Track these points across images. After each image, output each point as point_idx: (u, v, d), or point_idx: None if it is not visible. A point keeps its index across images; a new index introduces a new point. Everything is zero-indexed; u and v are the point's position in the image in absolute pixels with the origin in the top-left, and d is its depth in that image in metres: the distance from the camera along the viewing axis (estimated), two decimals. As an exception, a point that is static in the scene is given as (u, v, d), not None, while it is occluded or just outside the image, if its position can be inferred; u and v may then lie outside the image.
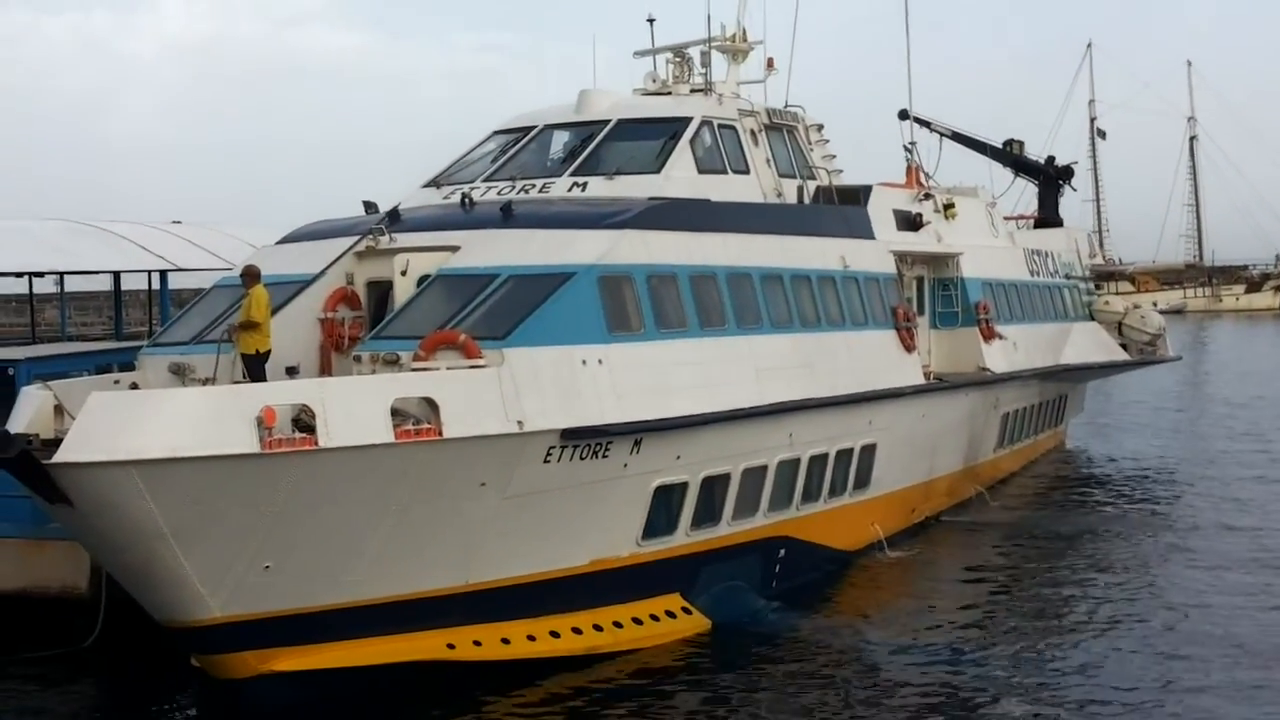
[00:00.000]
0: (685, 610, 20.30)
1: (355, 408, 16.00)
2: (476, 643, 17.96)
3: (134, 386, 18.68)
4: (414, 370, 17.12)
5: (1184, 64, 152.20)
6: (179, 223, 30.98)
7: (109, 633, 18.90)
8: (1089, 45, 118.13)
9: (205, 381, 18.26)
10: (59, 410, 16.61)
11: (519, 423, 17.06)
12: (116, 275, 29.99)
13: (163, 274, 28.87)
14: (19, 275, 28.42)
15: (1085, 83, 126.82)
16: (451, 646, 17.74)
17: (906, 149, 34.35)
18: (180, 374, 18.86)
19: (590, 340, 18.29)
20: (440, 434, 16.41)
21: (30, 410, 16.79)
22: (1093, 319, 39.85)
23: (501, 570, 17.98)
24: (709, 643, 20.05)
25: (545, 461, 17.57)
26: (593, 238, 19.34)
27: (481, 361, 17.18)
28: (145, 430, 14.96)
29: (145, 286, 30.65)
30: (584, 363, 18.08)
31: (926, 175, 34.15)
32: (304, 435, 15.67)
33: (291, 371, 18.61)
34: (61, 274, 29.12)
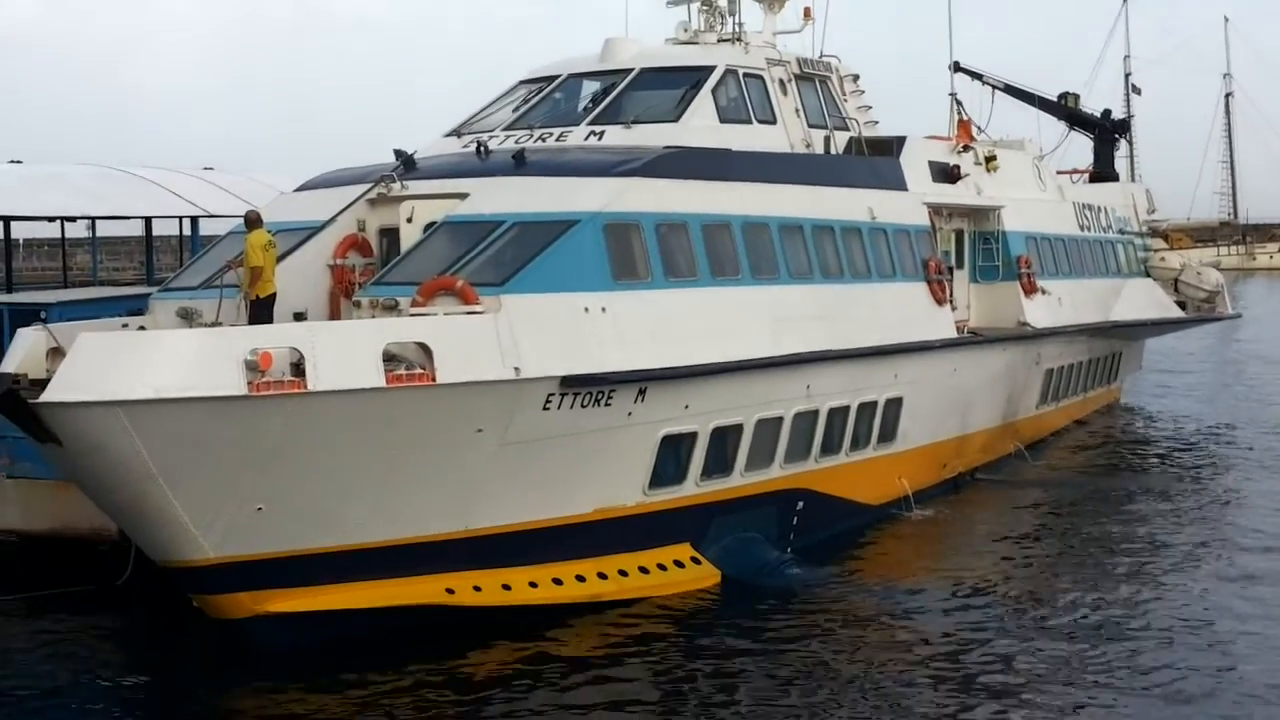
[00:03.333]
0: (695, 560, 20.20)
1: (345, 352, 16.00)
2: (476, 588, 17.96)
3: (141, 330, 18.81)
4: (411, 316, 17.08)
5: (1221, 19, 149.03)
6: (210, 169, 31.25)
7: (140, 572, 19.02)
8: (1124, 1, 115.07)
9: (212, 325, 18.34)
10: (56, 352, 16.74)
11: (516, 369, 16.98)
12: (148, 220, 30.28)
13: (194, 220, 29.13)
14: (51, 219, 28.83)
15: (1120, 39, 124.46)
16: (451, 591, 17.75)
17: (956, 99, 33.86)
18: (188, 318, 18.99)
19: (593, 288, 18.17)
20: (433, 379, 16.37)
21: (22, 350, 16.98)
22: (1148, 275, 39.06)
23: (502, 517, 17.96)
24: (718, 594, 19.91)
25: (545, 409, 17.49)
26: (600, 185, 19.19)
27: (478, 308, 17.12)
28: (132, 371, 15.03)
29: (176, 232, 30.88)
30: (586, 310, 17.97)
31: (978, 128, 33.68)
32: (296, 379, 15.70)
33: (300, 317, 18.79)
34: (93, 219, 29.42)
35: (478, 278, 17.53)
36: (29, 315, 20.68)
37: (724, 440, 20.35)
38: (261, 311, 18.16)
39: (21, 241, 65.54)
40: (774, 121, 23.82)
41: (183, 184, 29.23)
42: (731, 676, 16.77)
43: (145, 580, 18.72)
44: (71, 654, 17.79)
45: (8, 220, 27.45)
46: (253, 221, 18.84)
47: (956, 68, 35.75)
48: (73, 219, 29.18)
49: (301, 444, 15.97)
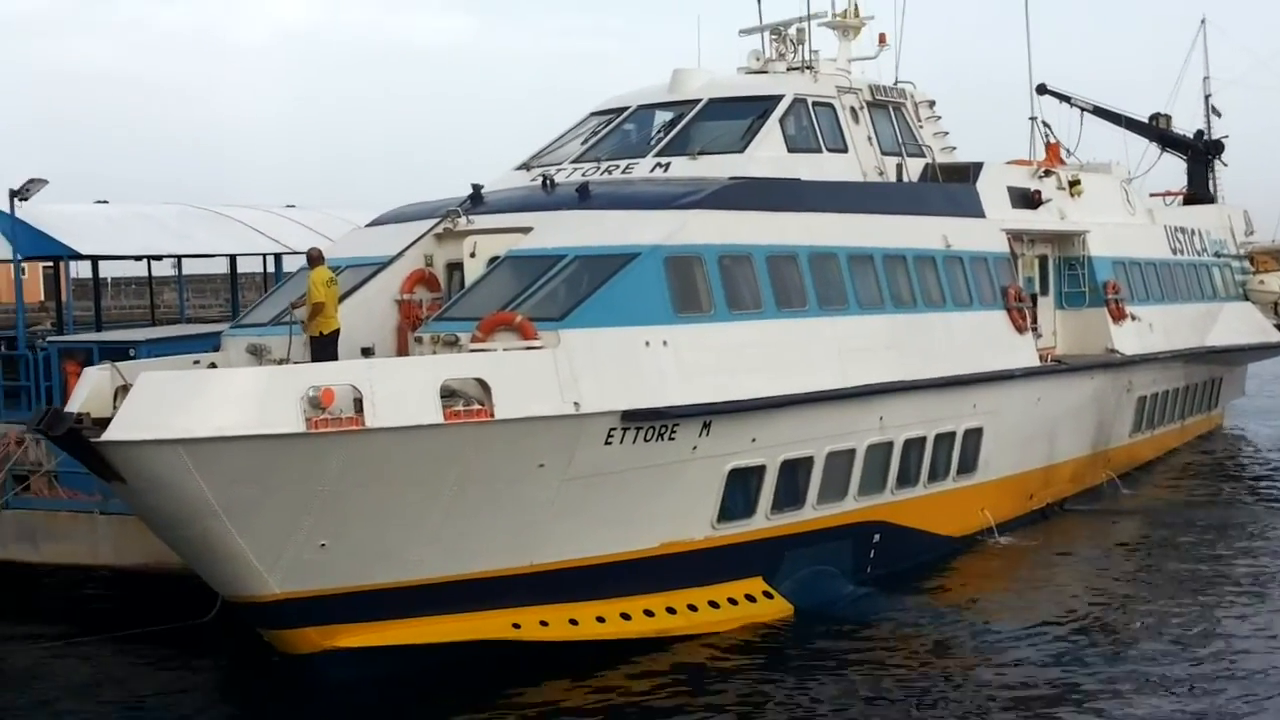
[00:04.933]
0: (767, 595, 20.00)
1: (403, 388, 16.07)
2: (543, 623, 17.93)
3: (212, 366, 19.05)
4: (470, 351, 17.13)
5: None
6: (292, 206, 31.70)
7: (228, 609, 19.17)
8: (1203, 21, 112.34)
9: (280, 362, 18.54)
10: (125, 389, 16.99)
11: (575, 404, 16.96)
12: (232, 259, 30.78)
13: (277, 257, 29.55)
14: (138, 259, 29.37)
15: (1199, 59, 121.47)
16: (517, 626, 17.75)
17: (1044, 123, 33.29)
18: (258, 354, 19.19)
19: (654, 321, 18.11)
20: (491, 415, 16.38)
21: (87, 389, 17.27)
22: (1247, 299, 38.09)
23: (566, 551, 17.92)
24: (791, 628, 19.68)
25: (607, 443, 17.44)
26: (661, 218, 19.16)
27: (537, 343, 17.13)
28: (192, 410, 15.25)
29: (260, 269, 31.38)
30: (647, 344, 17.91)
31: (1068, 151, 33.10)
32: (355, 416, 15.79)
33: (367, 352, 18.76)
34: (179, 257, 29.95)
35: (537, 312, 17.56)
36: (118, 354, 21.13)
37: (794, 473, 20.14)
38: (324, 348, 18.30)
39: (109, 280, 67.11)
40: (845, 150, 23.61)
41: (266, 221, 29.70)
42: (805, 710, 16.56)
43: (233, 616, 18.83)
44: (155, 690, 18.02)
45: (95, 260, 28.04)
46: (314, 259, 19.07)
47: (1042, 90, 35.14)
48: (159, 258, 29.73)
49: (361, 480, 16.05)
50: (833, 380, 20.33)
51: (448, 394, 16.33)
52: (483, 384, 16.49)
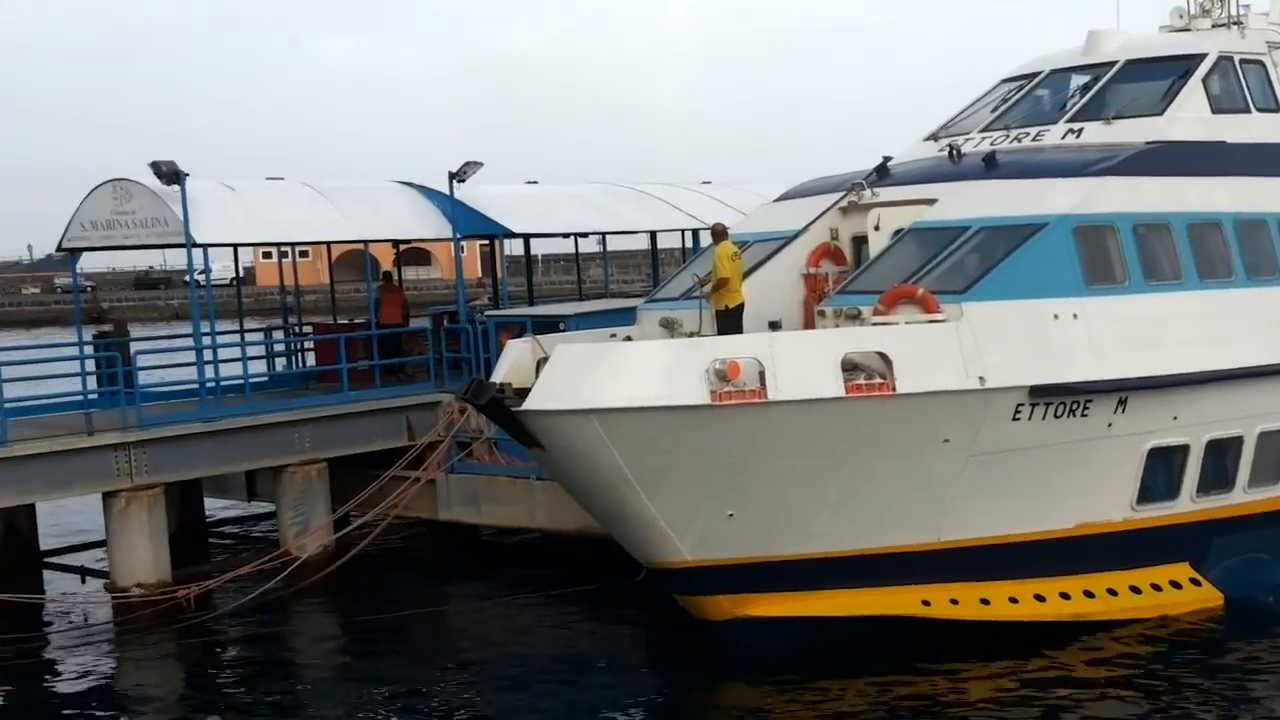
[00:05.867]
0: (1194, 582, 19.19)
1: (804, 362, 16.32)
2: (953, 601, 17.86)
3: (627, 339, 19.92)
4: (872, 325, 17.25)
5: None
6: (708, 183, 32.46)
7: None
8: None
9: (690, 336, 19.19)
10: (544, 361, 18.01)
11: (980, 379, 16.77)
12: (653, 234, 31.81)
13: (694, 232, 30.40)
14: (566, 236, 30.85)
15: None
16: (926, 604, 17.73)
17: None
18: (670, 328, 19.87)
19: (1063, 293, 17.65)
20: (893, 389, 16.45)
21: (509, 361, 18.39)
22: None
23: (976, 529, 17.74)
24: (1221, 618, 18.86)
25: (1014, 419, 17.15)
26: (1070, 186, 18.60)
27: (940, 316, 17.02)
28: (604, 381, 15.99)
29: (678, 245, 32.35)
30: (1055, 317, 17.48)
31: None
32: (757, 388, 16.20)
33: (774, 325, 19.25)
34: (604, 234, 31.21)
35: (940, 285, 17.40)
36: (549, 327, 22.49)
37: (1222, 454, 19.21)
38: (730, 322, 18.77)
39: (539, 257, 70.45)
40: (1277, 109, 22.17)
41: (683, 198, 30.53)
42: (1224, 711, 15.90)
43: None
44: (583, 645, 19.20)
45: (527, 237, 29.68)
46: (719, 234, 19.58)
47: None
48: (585, 235, 31.11)
49: (764, 452, 16.44)
50: (1265, 355, 19.23)
51: (850, 367, 16.48)
52: (884, 358, 16.54)
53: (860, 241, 20.31)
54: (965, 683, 16.76)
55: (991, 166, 19.57)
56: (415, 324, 27.76)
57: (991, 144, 21.12)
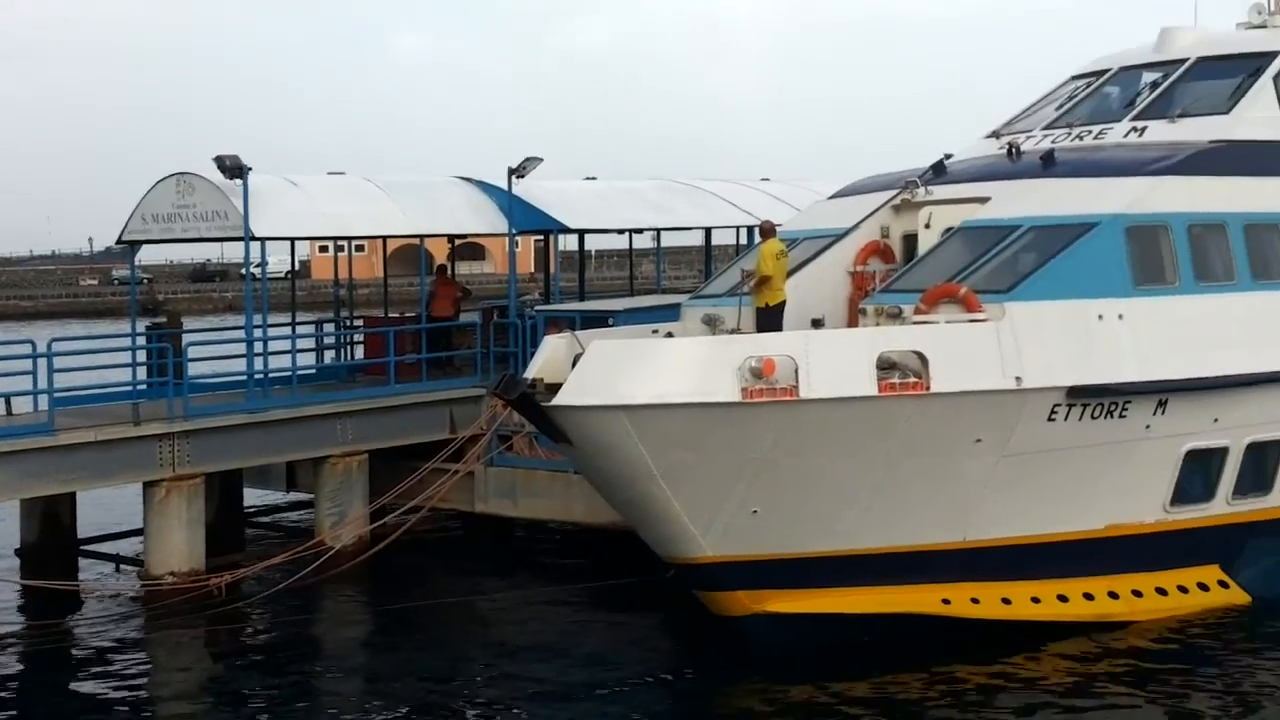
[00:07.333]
0: (1222, 584, 18.85)
1: (838, 360, 15.94)
2: (974, 600, 17.60)
3: (669, 336, 19.55)
4: (913, 324, 16.79)
5: None
6: (766, 179, 32.00)
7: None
8: None
9: (730, 333, 18.82)
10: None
11: (1017, 379, 16.35)
12: (707, 231, 31.47)
13: (750, 229, 29.87)
14: (620, 232, 30.54)
15: None
16: (946, 602, 17.47)
17: None
18: (711, 325, 19.52)
19: (1110, 294, 17.23)
20: (927, 388, 16.00)
21: (544, 356, 18.10)
22: None
23: (1003, 529, 17.43)
24: (1246, 619, 18.53)
25: (1050, 420, 16.77)
26: (1125, 185, 18.16)
27: (980, 315, 16.59)
28: (636, 377, 15.71)
29: (733, 241, 31.95)
30: (1100, 317, 17.08)
31: None
32: (789, 386, 15.80)
33: (817, 323, 19.01)
34: (658, 230, 30.86)
35: (984, 285, 17.04)
36: (598, 322, 22.20)
37: (1262, 456, 18.78)
38: (770, 319, 18.42)
39: (594, 252, 70.14)
40: (1351, 109, 21.30)
41: (740, 194, 30.17)
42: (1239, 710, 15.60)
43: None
44: (613, 638, 19.02)
45: (582, 233, 29.39)
46: (766, 231, 19.23)
47: None
48: (639, 231, 30.81)
49: (794, 449, 16.10)
50: None
51: (887, 366, 16.09)
52: (921, 357, 16.14)
53: (911, 240, 19.93)
54: (982, 680, 16.57)
55: (1049, 165, 19.17)
56: (465, 318, 27.56)
57: (1052, 142, 20.63)
